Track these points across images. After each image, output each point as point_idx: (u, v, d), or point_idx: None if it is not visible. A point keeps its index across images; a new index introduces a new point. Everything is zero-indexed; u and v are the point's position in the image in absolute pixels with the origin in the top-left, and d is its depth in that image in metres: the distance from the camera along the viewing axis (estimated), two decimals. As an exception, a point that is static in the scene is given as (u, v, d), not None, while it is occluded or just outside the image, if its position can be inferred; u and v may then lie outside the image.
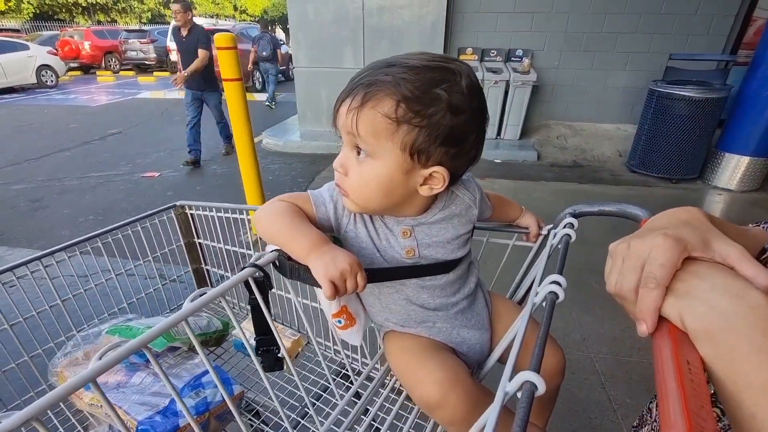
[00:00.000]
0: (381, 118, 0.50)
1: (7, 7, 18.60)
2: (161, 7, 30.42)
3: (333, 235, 0.64)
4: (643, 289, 0.35)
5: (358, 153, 0.54)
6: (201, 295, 0.49)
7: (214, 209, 1.13)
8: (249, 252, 1.17)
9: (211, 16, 25.68)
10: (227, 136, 5.05)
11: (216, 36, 2.52)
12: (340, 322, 0.65)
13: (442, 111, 0.50)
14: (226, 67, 2.51)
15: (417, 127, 0.50)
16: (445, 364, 0.58)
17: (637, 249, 0.37)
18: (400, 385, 0.84)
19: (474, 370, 0.72)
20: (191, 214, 1.20)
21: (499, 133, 5.15)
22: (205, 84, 4.58)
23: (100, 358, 0.39)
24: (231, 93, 2.60)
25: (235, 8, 28.45)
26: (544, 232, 0.81)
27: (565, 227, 0.71)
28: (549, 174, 4.38)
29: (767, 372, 0.28)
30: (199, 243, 1.24)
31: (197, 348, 0.48)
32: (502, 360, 0.67)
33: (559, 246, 0.69)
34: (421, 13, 4.70)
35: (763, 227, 0.53)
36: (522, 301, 0.86)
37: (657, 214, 0.48)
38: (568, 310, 2.18)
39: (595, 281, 2.36)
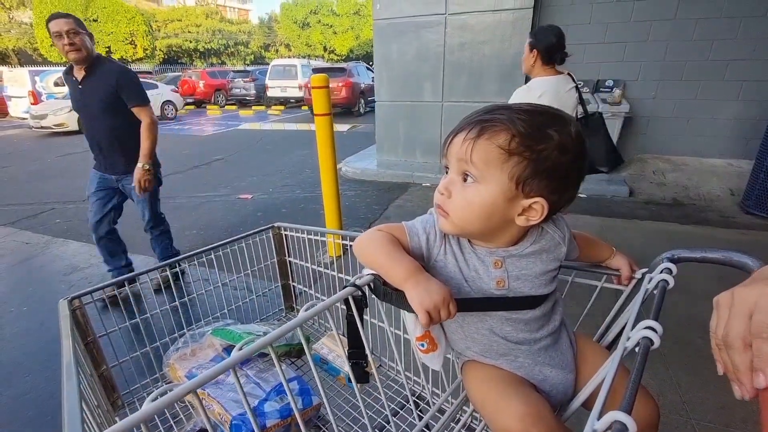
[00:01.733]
0: (495, 148, 0.56)
1: (144, 54, 22.64)
2: (262, 50, 34.57)
3: (422, 264, 0.68)
4: (757, 339, 0.34)
5: (465, 179, 0.59)
6: (310, 307, 0.56)
7: (304, 231, 1.25)
8: (328, 272, 1.26)
9: (304, 57, 28.46)
10: (168, 255, 2.82)
11: (312, 78, 2.82)
12: (423, 345, 0.68)
13: (551, 148, 0.55)
14: (319, 104, 2.79)
15: (526, 159, 0.55)
16: (529, 399, 0.58)
17: (744, 296, 0.36)
18: (471, 421, 0.83)
19: (556, 412, 0.70)
20: (285, 235, 1.34)
21: (583, 167, 4.86)
22: (126, 163, 2.41)
23: (240, 349, 0.47)
24: (321, 126, 2.85)
25: (325, 49, 31.22)
26: (638, 275, 0.77)
27: (662, 272, 0.67)
28: (643, 212, 3.99)
29: None
30: (289, 261, 1.37)
31: (306, 352, 0.55)
32: (587, 405, 0.64)
33: (655, 292, 0.66)
34: (502, 48, 4.74)
35: None
36: (611, 347, 0.81)
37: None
38: (664, 367, 1.94)
39: (699, 336, 2.07)
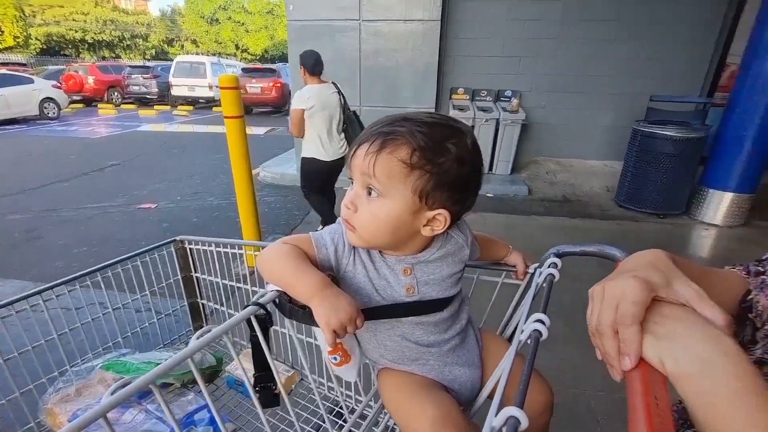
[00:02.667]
0: (397, 162, 0.56)
1: (15, 43, 19.22)
2: (165, 45, 31.60)
3: (332, 274, 0.68)
4: (622, 326, 0.38)
5: (369, 193, 0.59)
6: (206, 333, 0.51)
7: (213, 244, 1.16)
8: (242, 285, 1.19)
9: (214, 54, 26.66)
10: None
11: (220, 78, 2.65)
12: (335, 358, 0.67)
13: (450, 161, 0.57)
14: (228, 105, 2.63)
15: (428, 173, 0.57)
16: (439, 402, 0.60)
17: (612, 290, 0.41)
18: (394, 424, 0.84)
19: (465, 407, 0.74)
20: (190, 249, 1.24)
21: (490, 168, 5.29)
22: None
23: (112, 393, 0.42)
24: (232, 129, 2.69)
25: (237, 47, 29.61)
26: (531, 270, 0.84)
27: (549, 267, 0.74)
28: (540, 208, 4.47)
29: (750, 415, 0.31)
30: (196, 277, 1.27)
31: (201, 386, 0.50)
32: (492, 397, 0.69)
33: (544, 285, 0.72)
34: (414, 56, 4.96)
35: (739, 270, 0.55)
36: (511, 338, 0.88)
37: (630, 255, 0.52)
38: (561, 347, 2.18)
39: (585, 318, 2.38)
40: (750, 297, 0.49)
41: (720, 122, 3.88)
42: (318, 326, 0.55)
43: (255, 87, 12.51)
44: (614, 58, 4.92)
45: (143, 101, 14.83)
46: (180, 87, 13.95)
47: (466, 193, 0.61)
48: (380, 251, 0.66)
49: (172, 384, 1.01)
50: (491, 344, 0.76)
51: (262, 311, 0.57)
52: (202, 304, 1.31)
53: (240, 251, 1.14)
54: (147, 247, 1.17)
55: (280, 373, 1.18)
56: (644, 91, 4.82)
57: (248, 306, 0.57)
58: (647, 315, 0.38)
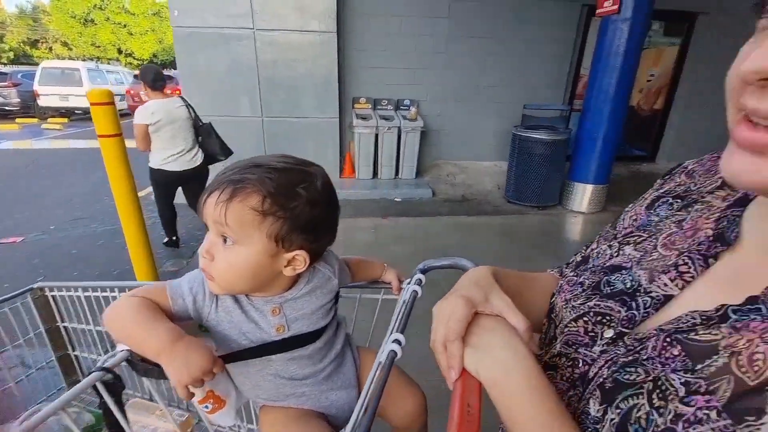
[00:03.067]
0: (249, 210, 0.57)
1: None
2: (28, 48, 27.03)
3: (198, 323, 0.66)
4: (448, 342, 0.42)
5: (225, 240, 0.60)
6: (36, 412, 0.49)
7: (80, 289, 1.07)
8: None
9: (92, 59, 23.51)
10: None
11: (89, 93, 2.38)
12: (207, 407, 0.66)
13: (302, 204, 0.60)
14: (102, 123, 2.38)
15: (281, 218, 0.58)
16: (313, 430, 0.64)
17: (442, 309, 0.45)
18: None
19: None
20: (53, 296, 1.12)
21: (397, 174, 5.55)
22: None
23: None
24: (109, 149, 2.44)
25: (120, 51, 26.51)
26: (404, 286, 0.86)
27: (414, 283, 0.78)
28: (443, 209, 4.83)
29: (536, 411, 0.36)
30: (65, 327, 1.15)
31: None
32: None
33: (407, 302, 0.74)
34: (315, 66, 4.99)
35: (554, 272, 0.64)
36: None
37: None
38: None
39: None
40: (552, 300, 0.54)
41: (578, 125, 4.61)
42: None
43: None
44: (495, 71, 5.52)
45: (0, 113, 12.51)
46: (49, 96, 12.06)
47: (321, 231, 0.64)
48: (246, 295, 0.66)
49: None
50: (368, 363, 0.79)
51: (109, 376, 0.54)
52: (76, 356, 1.19)
53: (113, 294, 1.07)
54: (-4, 301, 1.04)
55: (173, 419, 1.12)
56: (520, 100, 5.50)
57: (92, 372, 0.53)
58: (470, 328, 0.43)
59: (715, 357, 0.32)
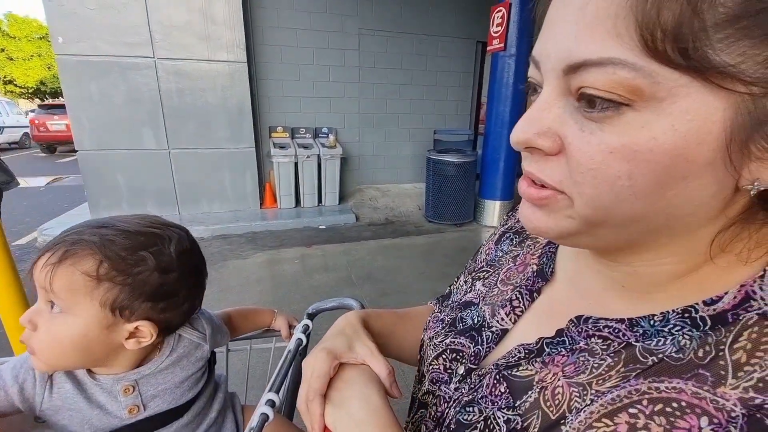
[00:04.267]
0: (79, 275, 0.51)
1: None
2: None
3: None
4: (308, 402, 0.40)
5: (52, 307, 0.53)
6: None
7: None
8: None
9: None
10: None
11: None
12: None
13: (148, 270, 0.54)
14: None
15: (120, 285, 0.53)
16: None
17: (307, 366, 0.43)
18: None
19: None
20: None
21: (320, 201, 5.52)
22: None
23: None
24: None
25: (-3, 78, 23.22)
26: (295, 332, 0.82)
27: (300, 331, 0.75)
28: (367, 233, 4.88)
29: None
30: None
31: None
32: None
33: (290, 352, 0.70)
34: (226, 95, 4.84)
35: (431, 304, 0.62)
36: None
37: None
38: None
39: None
40: (422, 337, 0.54)
41: (482, 148, 5.04)
42: None
43: (59, 124, 11.11)
44: (406, 99, 5.86)
45: None
46: None
47: (176, 300, 0.58)
48: (89, 372, 0.58)
49: None
50: (247, 417, 0.75)
51: None
52: None
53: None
54: None
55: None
56: (431, 125, 5.89)
57: None
58: (332, 382, 0.41)
59: (530, 392, 0.33)
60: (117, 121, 4.54)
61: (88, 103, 4.43)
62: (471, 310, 0.47)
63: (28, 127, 13.51)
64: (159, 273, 0.55)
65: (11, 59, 22.92)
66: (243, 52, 4.76)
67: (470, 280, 0.52)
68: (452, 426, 0.38)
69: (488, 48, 4.69)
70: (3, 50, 22.81)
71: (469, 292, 0.51)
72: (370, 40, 5.46)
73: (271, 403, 0.50)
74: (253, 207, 5.31)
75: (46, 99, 22.86)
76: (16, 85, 23.55)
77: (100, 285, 0.52)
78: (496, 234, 0.56)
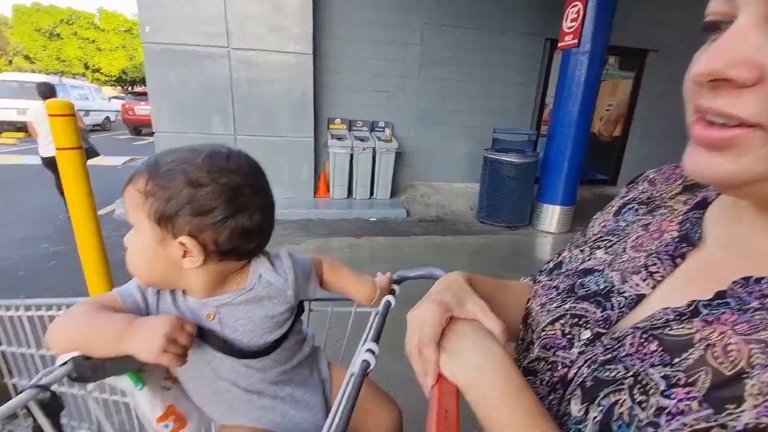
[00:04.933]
0: (135, 192, 0.57)
1: None
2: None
3: None
4: (422, 348, 0.42)
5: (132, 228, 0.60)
6: None
7: (22, 308, 0.97)
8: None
9: (56, 73, 22.68)
10: None
11: (47, 103, 2.27)
12: (167, 426, 0.59)
13: (181, 184, 0.55)
14: (61, 135, 2.25)
15: (159, 198, 0.56)
16: None
17: (416, 315, 0.44)
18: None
19: None
20: (-12, 317, 1.00)
21: (372, 194, 5.56)
22: None
23: None
24: (66, 162, 2.31)
25: (87, 67, 25.77)
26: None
27: (387, 294, 0.77)
28: (417, 229, 4.84)
29: (515, 415, 0.36)
30: (1, 351, 1.03)
31: None
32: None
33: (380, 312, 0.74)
34: (290, 86, 5.01)
35: (528, 280, 0.65)
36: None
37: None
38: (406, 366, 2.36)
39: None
40: (528, 306, 0.55)
41: (544, 150, 4.80)
42: (138, 369, 0.50)
43: (144, 109, 12.64)
44: (465, 96, 5.72)
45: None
46: (6, 110, 11.45)
47: (215, 218, 0.57)
48: (183, 293, 0.63)
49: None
50: (339, 378, 0.76)
51: (45, 394, 0.48)
52: (14, 384, 1.06)
53: (59, 312, 0.97)
54: None
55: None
56: (489, 124, 5.70)
57: (24, 390, 0.47)
58: (445, 333, 0.42)
59: (691, 350, 0.33)
60: (191, 106, 4.85)
61: (167, 89, 4.78)
62: (595, 276, 0.47)
63: (110, 111, 14.98)
64: (191, 187, 0.56)
65: (99, 50, 25.39)
66: (309, 44, 4.89)
67: (587, 249, 0.53)
68: (588, 384, 0.38)
69: (560, 44, 4.45)
70: (93, 41, 25.30)
71: (588, 260, 0.51)
72: (432, 35, 5.39)
73: (372, 352, 0.51)
74: (308, 195, 5.46)
75: (127, 87, 24.98)
76: (102, 74, 26.04)
77: (147, 200, 0.56)
78: (613, 206, 0.56)
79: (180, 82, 4.77)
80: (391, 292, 0.79)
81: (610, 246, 0.50)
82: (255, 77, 4.90)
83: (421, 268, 0.86)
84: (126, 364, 0.52)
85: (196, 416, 0.65)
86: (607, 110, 6.63)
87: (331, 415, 0.45)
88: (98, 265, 2.48)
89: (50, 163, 4.45)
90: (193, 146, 0.60)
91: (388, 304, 0.75)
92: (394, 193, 5.70)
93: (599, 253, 0.50)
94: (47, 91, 4.66)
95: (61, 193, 4.63)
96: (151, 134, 5.13)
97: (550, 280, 0.54)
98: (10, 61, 26.71)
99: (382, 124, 5.62)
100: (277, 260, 0.68)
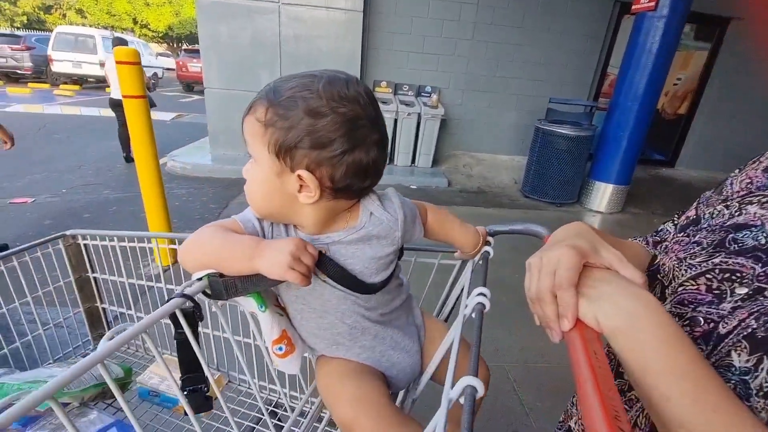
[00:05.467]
0: (255, 122, 0.54)
1: None
2: (41, 12, 26.86)
3: None
4: (560, 290, 0.41)
5: (251, 158, 0.58)
6: (119, 332, 0.44)
7: (115, 238, 1.01)
8: (155, 284, 1.06)
9: (106, 28, 23.32)
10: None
11: (116, 49, 2.32)
12: (280, 348, 0.62)
13: (300, 113, 0.52)
14: (128, 83, 2.31)
15: (279, 129, 0.53)
16: (363, 384, 0.60)
17: (549, 259, 0.44)
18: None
19: (407, 391, 0.74)
20: (85, 245, 1.06)
21: (413, 161, 5.47)
22: None
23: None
24: (132, 111, 2.38)
25: (135, 22, 26.28)
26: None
27: (485, 244, 0.77)
28: (459, 199, 4.75)
29: (674, 359, 0.35)
30: (94, 278, 1.10)
31: (118, 396, 0.43)
32: (435, 378, 0.69)
33: (480, 262, 0.75)
34: (338, 45, 4.89)
35: (639, 241, 0.66)
36: (447, 318, 0.90)
37: (555, 230, 0.55)
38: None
39: (504, 296, 2.59)
40: (656, 262, 0.56)
41: (603, 123, 4.50)
42: (266, 287, 0.51)
43: (196, 66, 13.35)
44: (519, 62, 5.39)
45: (12, 77, 12.44)
46: (62, 63, 12.01)
47: (330, 150, 0.53)
48: (294, 227, 0.62)
49: (69, 404, 0.86)
50: (430, 327, 0.76)
51: (189, 303, 0.50)
52: (103, 308, 1.14)
53: (149, 245, 1.01)
54: (24, 245, 0.98)
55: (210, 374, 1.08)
56: (542, 93, 5.38)
57: (171, 298, 0.49)
58: (580, 279, 0.42)
59: None
60: (241, 62, 4.86)
61: (217, 44, 4.78)
62: (751, 231, 0.45)
63: (157, 68, 15.31)
64: (310, 117, 0.52)
65: (148, 5, 25.71)
66: (360, 1, 4.71)
67: (735, 205, 0.51)
68: (760, 335, 0.37)
69: (634, 7, 4.05)
70: (141, -4, 25.60)
71: (738, 215, 0.49)
72: (490, -6, 5.04)
73: (484, 295, 0.51)
74: (349, 159, 5.44)
75: (173, 44, 25.34)
76: (149, 29, 26.51)
77: (267, 130, 0.53)
78: (760, 162, 0.54)
79: (230, 38, 4.76)
80: (487, 243, 0.78)
81: (765, 202, 0.47)
82: (304, 34, 4.81)
83: (518, 222, 0.82)
84: (255, 284, 0.53)
85: (300, 344, 0.67)
86: (674, 84, 6.07)
87: (453, 352, 0.44)
88: (160, 210, 2.60)
89: (117, 105, 4.78)
90: (313, 72, 0.57)
91: (487, 254, 0.75)
92: (436, 161, 5.58)
93: (752, 209, 0.48)
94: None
95: (121, 141, 5.14)
96: (203, 91, 5.21)
97: (687, 236, 0.52)
98: (64, 15, 27.65)
99: (428, 89, 5.43)
100: (386, 200, 0.65)
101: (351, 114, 0.54)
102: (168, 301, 0.50)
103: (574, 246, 0.43)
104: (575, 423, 0.61)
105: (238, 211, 0.63)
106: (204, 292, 0.53)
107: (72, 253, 1.06)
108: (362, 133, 0.55)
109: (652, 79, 4.02)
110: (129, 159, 4.99)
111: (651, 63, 3.95)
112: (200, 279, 0.53)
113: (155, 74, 15.31)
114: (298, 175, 0.54)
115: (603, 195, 4.53)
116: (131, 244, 1.04)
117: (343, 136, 0.53)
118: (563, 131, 4.36)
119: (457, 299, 0.85)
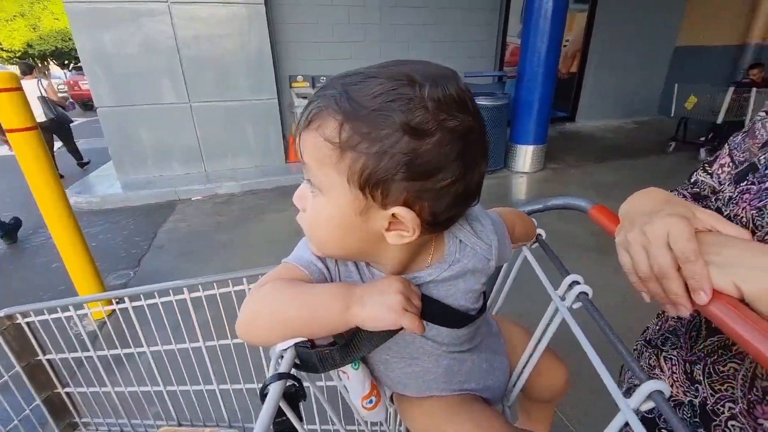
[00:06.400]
0: (323, 142, 0.39)
1: None
2: None
3: None
4: (687, 264, 0.38)
5: (312, 186, 0.43)
6: None
7: (70, 307, 0.85)
8: (92, 353, 0.91)
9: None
10: None
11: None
12: (371, 402, 0.55)
13: (396, 133, 0.37)
14: (10, 115, 1.92)
15: (366, 154, 0.38)
16: (474, 417, 0.54)
17: (655, 233, 0.41)
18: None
19: (499, 406, 0.70)
20: (28, 323, 0.88)
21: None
22: None
23: None
24: (22, 146, 1.99)
25: (-22, 40, 21.97)
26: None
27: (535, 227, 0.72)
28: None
29: None
30: (48, 360, 0.91)
31: None
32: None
33: (534, 246, 0.70)
34: (243, 42, 4.57)
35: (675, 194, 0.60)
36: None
37: (627, 199, 0.51)
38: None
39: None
40: (725, 214, 0.51)
41: (514, 91, 4.83)
42: (378, 343, 0.42)
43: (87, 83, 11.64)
44: (430, 41, 5.54)
45: None
46: None
47: (437, 179, 0.39)
48: (367, 264, 0.49)
49: None
50: (505, 330, 0.70)
51: (292, 383, 0.40)
52: (67, 393, 0.96)
53: (126, 305, 0.87)
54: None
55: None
56: (455, 68, 5.58)
57: (270, 384, 0.39)
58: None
59: None
60: (134, 74, 4.32)
61: (102, 56, 4.19)
62: None
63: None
64: (411, 137, 0.37)
65: (-9, 19, 21.57)
66: (260, -7, 4.43)
67: None
68: None
69: (524, -22, 4.34)
70: (-20, 9, 21.38)
71: None
72: (391, -25, 5.06)
73: (578, 283, 0.49)
74: (279, 161, 5.21)
75: (37, 63, 21.83)
76: (3, 50, 22.34)
77: (344, 155, 0.39)
78: None
79: (116, 47, 4.19)
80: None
81: None
82: (203, 34, 4.41)
83: (560, 197, 0.77)
84: (358, 348, 0.43)
85: (385, 391, 0.60)
86: (564, 46, 6.70)
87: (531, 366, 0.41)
88: (79, 255, 2.25)
89: (45, 129, 4.64)
90: (399, 65, 0.41)
91: (540, 237, 0.72)
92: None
93: None
94: (26, 69, 5.15)
95: (73, 155, 5.79)
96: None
97: (752, 183, 0.48)
98: None
99: (347, 77, 5.35)
100: (474, 221, 0.52)
101: (462, 128, 0.39)
102: (264, 390, 0.38)
103: (680, 214, 0.41)
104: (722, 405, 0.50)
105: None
106: (295, 364, 0.43)
107: (12, 336, 0.87)
108: (475, 149, 0.42)
109: (551, 42, 4.37)
110: (82, 165, 5.72)
111: (548, 28, 4.29)
112: (285, 350, 0.43)
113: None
114: (393, 214, 0.40)
115: (525, 156, 4.90)
116: (67, 314, 0.87)
117: (455, 160, 0.39)
118: (482, 102, 4.59)
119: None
